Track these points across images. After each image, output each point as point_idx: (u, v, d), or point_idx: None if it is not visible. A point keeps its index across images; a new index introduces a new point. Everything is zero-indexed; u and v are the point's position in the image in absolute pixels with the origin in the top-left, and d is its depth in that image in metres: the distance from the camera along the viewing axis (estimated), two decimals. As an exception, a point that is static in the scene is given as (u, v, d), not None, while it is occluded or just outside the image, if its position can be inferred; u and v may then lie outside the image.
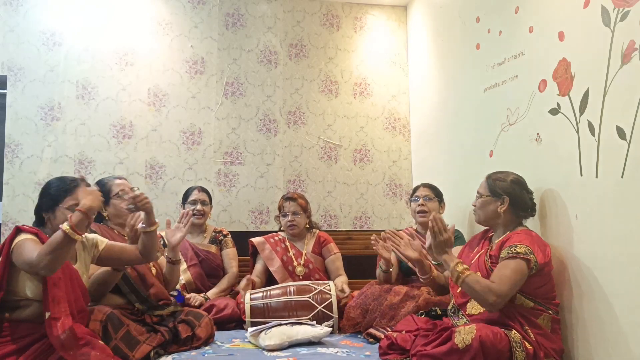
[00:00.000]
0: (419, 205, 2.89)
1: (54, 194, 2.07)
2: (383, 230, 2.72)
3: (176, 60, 3.74)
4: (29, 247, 1.87)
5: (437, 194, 2.95)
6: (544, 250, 2.05)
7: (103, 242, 2.21)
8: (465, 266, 2.06)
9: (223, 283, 3.09)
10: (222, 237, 3.25)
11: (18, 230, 1.97)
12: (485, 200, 2.25)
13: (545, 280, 2.06)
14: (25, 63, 3.51)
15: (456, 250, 2.64)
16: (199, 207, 3.15)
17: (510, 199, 2.19)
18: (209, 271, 3.12)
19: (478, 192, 2.31)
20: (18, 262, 1.88)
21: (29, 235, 1.94)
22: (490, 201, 2.23)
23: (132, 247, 2.22)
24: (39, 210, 2.10)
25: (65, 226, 1.82)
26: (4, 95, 3.47)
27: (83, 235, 2.22)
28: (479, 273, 2.13)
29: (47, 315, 1.85)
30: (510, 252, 2.02)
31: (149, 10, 3.73)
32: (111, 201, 2.53)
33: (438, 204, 2.93)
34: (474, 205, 2.32)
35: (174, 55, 3.74)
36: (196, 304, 2.79)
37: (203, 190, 3.24)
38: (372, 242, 2.71)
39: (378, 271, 2.78)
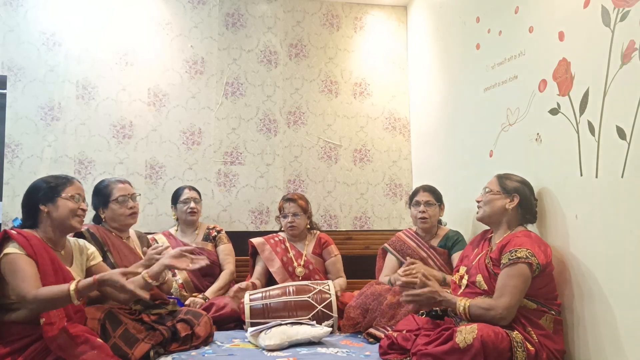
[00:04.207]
0: (420, 212, 2.89)
1: (54, 185, 2.03)
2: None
3: (176, 60, 3.74)
4: (22, 275, 1.81)
5: (437, 198, 2.94)
6: (544, 251, 2.05)
7: (97, 259, 2.21)
8: (464, 300, 2.04)
9: (221, 280, 3.09)
10: (215, 234, 3.27)
11: (6, 237, 1.90)
12: (495, 196, 2.24)
13: (547, 280, 2.06)
14: (25, 63, 3.51)
15: (458, 255, 2.64)
16: (192, 205, 3.19)
17: (520, 198, 2.20)
18: (205, 269, 3.05)
19: (487, 188, 2.29)
20: (7, 279, 1.84)
21: (17, 250, 1.87)
22: (499, 197, 2.23)
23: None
24: (34, 205, 2.01)
25: (72, 287, 1.80)
26: (4, 95, 3.46)
27: (83, 241, 2.22)
28: (480, 276, 2.13)
29: (41, 321, 1.82)
30: (511, 258, 2.01)
31: (149, 10, 3.73)
32: (110, 205, 2.52)
33: (438, 208, 2.93)
34: (479, 201, 2.31)
35: (174, 55, 3.74)
36: (197, 308, 2.77)
37: (193, 188, 3.31)
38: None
39: (386, 281, 2.81)
